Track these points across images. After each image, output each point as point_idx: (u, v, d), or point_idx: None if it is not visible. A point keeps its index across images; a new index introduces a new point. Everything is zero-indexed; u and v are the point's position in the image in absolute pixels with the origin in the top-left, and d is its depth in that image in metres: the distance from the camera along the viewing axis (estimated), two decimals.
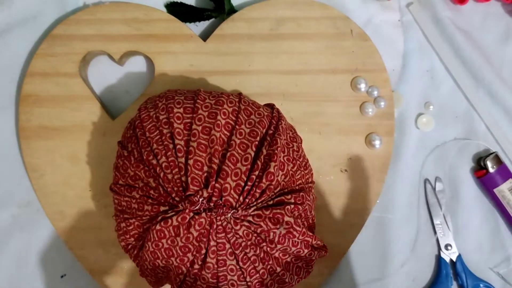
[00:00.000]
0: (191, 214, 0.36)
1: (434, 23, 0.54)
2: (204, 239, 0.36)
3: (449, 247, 0.50)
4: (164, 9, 0.52)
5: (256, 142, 0.37)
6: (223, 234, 0.36)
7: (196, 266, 0.37)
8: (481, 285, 0.50)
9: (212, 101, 0.39)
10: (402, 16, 0.54)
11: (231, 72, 0.50)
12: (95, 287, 0.48)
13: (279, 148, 0.38)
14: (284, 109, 0.45)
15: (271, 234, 0.36)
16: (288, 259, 0.39)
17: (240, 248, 0.36)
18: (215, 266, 0.36)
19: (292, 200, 0.38)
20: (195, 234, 0.36)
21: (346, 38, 0.50)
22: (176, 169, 0.36)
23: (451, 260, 0.50)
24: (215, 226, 0.36)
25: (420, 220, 0.51)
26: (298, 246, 0.38)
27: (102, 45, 0.49)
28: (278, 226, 0.37)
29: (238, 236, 0.36)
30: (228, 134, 0.38)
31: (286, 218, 0.37)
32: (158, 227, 0.36)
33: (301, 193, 0.39)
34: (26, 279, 0.49)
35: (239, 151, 0.37)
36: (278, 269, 0.38)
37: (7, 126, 0.50)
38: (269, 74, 0.50)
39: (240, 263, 0.37)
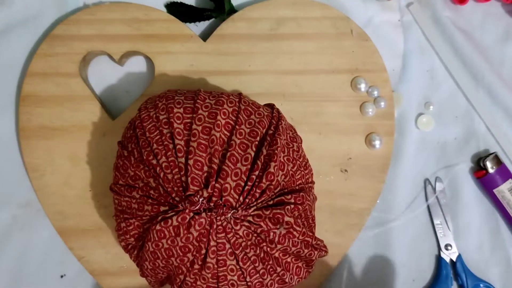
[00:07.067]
0: (191, 214, 0.36)
1: (434, 23, 0.54)
2: (204, 239, 0.36)
3: (449, 247, 0.50)
4: (164, 9, 0.52)
5: (256, 142, 0.37)
6: (223, 234, 0.36)
7: (196, 266, 0.37)
8: (481, 285, 0.50)
9: (212, 101, 0.39)
10: (402, 16, 0.54)
11: (231, 72, 0.50)
12: (95, 287, 0.48)
13: (279, 148, 0.38)
14: (284, 109, 0.44)
15: (271, 234, 0.36)
16: (288, 259, 0.39)
17: (240, 248, 0.36)
18: (215, 266, 0.36)
19: (292, 200, 0.38)
20: (195, 234, 0.36)
21: (346, 38, 0.50)
22: (176, 169, 0.36)
23: (451, 260, 0.50)
24: (215, 226, 0.36)
25: (420, 220, 0.51)
26: (298, 246, 0.38)
27: (102, 45, 0.49)
28: (278, 226, 0.37)
29: (238, 236, 0.36)
30: (228, 134, 0.38)
31: (286, 218, 0.37)
32: (158, 227, 0.36)
33: (301, 193, 0.39)
34: (26, 279, 0.49)
35: (239, 151, 0.37)
36: (278, 269, 0.38)
37: (7, 126, 0.50)
38: (269, 74, 0.50)
39: (240, 263, 0.37)
